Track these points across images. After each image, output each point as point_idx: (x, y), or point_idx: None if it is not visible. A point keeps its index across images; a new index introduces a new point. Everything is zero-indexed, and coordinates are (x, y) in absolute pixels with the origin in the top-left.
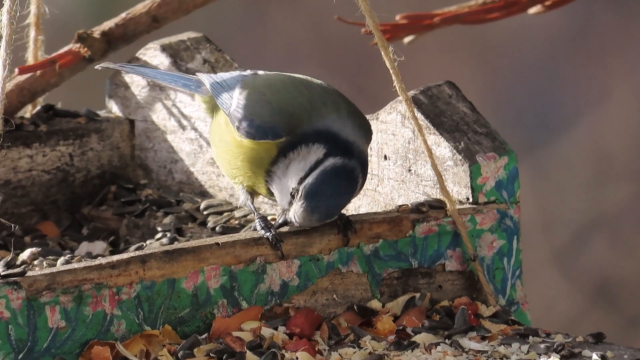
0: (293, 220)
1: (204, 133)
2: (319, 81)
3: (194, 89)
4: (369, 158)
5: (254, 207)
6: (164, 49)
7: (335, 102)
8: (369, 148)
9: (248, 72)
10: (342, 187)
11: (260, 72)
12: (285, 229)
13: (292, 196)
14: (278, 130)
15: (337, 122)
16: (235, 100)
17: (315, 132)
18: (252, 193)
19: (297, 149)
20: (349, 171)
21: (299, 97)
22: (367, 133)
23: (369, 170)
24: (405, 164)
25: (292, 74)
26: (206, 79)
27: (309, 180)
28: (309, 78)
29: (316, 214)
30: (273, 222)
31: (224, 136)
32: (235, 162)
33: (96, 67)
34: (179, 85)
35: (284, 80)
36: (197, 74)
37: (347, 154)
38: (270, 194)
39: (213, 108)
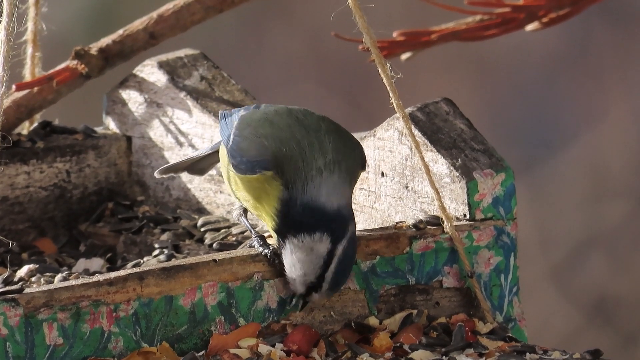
0: (316, 302)
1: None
2: (312, 113)
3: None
4: (367, 175)
5: (249, 223)
6: (161, 65)
7: (324, 147)
8: (367, 166)
9: (252, 106)
10: (353, 259)
11: (263, 105)
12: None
13: (311, 287)
14: (265, 163)
15: (325, 183)
16: (231, 137)
17: (310, 211)
18: (246, 209)
19: (300, 237)
20: (354, 243)
21: (289, 135)
22: (355, 170)
23: (367, 187)
24: (402, 180)
25: (292, 107)
26: (220, 121)
27: (330, 276)
28: (307, 112)
29: (337, 291)
30: (269, 239)
31: (228, 169)
32: (241, 194)
33: (156, 174)
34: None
35: (278, 115)
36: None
37: (344, 226)
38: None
39: None
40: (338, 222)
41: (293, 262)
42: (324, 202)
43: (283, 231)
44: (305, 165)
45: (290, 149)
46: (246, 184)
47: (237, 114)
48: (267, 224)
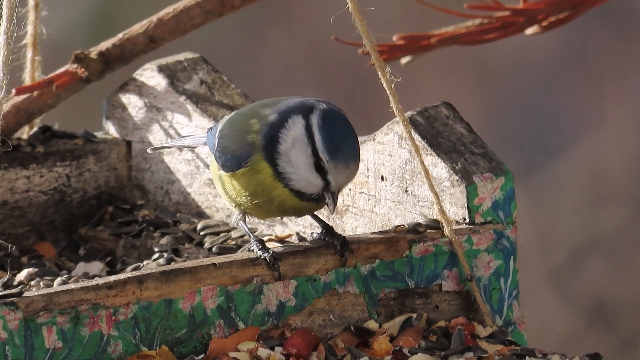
0: (338, 183)
1: (201, 154)
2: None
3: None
4: (366, 179)
5: (248, 228)
6: (161, 69)
7: (304, 96)
8: (365, 169)
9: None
10: (344, 125)
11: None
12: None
13: (320, 170)
14: (245, 155)
15: (300, 98)
16: (216, 141)
17: (281, 113)
18: (245, 213)
19: (281, 138)
20: (331, 112)
21: (260, 108)
22: None
23: (366, 191)
24: (402, 184)
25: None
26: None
27: (321, 145)
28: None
29: (351, 162)
30: (268, 243)
31: (218, 174)
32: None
33: (148, 150)
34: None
35: (253, 107)
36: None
37: (309, 106)
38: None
39: None
40: (301, 104)
41: (294, 169)
42: (283, 109)
43: (275, 162)
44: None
45: (261, 114)
46: (240, 180)
47: (221, 122)
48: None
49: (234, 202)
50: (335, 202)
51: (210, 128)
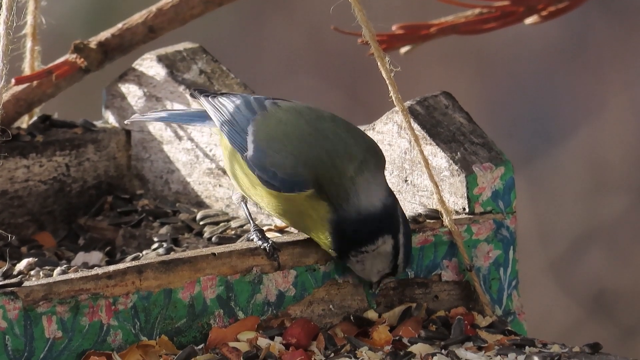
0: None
1: (200, 143)
2: (321, 114)
3: (206, 124)
4: None
5: (250, 213)
6: (160, 59)
7: (348, 150)
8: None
9: (252, 99)
10: (411, 235)
11: (266, 103)
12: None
13: (385, 276)
14: (303, 183)
15: (362, 188)
16: (250, 145)
17: (363, 224)
18: (247, 198)
19: (364, 249)
20: (407, 223)
21: (317, 147)
22: (377, 160)
23: None
24: (401, 174)
25: (298, 107)
26: (213, 115)
27: (401, 263)
28: (316, 114)
29: (411, 265)
30: (267, 233)
31: (245, 174)
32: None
33: (126, 122)
34: (195, 123)
35: (296, 124)
36: (204, 105)
37: (395, 216)
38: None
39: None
40: (389, 216)
41: (365, 268)
42: (368, 208)
43: (343, 249)
44: (341, 178)
45: (323, 162)
46: (279, 199)
47: (239, 112)
48: (313, 238)
49: (245, 193)
50: (378, 287)
51: (215, 100)
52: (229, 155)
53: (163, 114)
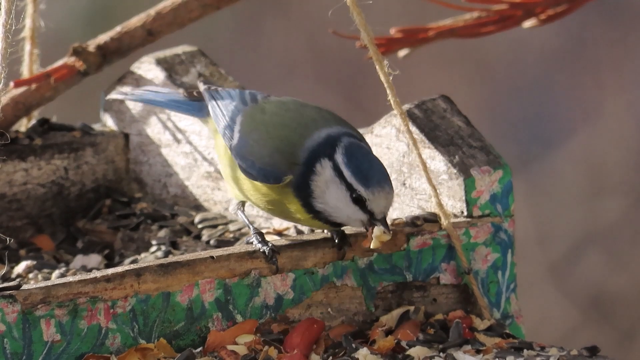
0: (380, 209)
1: (199, 147)
2: (312, 105)
3: (197, 114)
4: None
5: (248, 219)
6: (159, 62)
7: (324, 117)
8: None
9: (247, 93)
10: (366, 154)
11: (259, 97)
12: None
13: (358, 202)
14: (278, 173)
15: (325, 129)
16: (235, 134)
17: (312, 149)
18: (244, 203)
19: (315, 176)
20: (352, 145)
21: (293, 125)
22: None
23: None
24: (399, 177)
25: (284, 99)
26: (208, 101)
27: (352, 179)
28: (301, 104)
29: (384, 184)
30: (267, 236)
31: (231, 165)
32: (250, 193)
33: (107, 97)
34: (182, 111)
35: (277, 112)
36: (202, 90)
37: (333, 142)
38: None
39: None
40: (326, 143)
41: (329, 205)
42: (312, 145)
43: (309, 202)
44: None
45: (298, 134)
46: (260, 189)
47: (232, 104)
48: (295, 220)
49: (240, 192)
50: (388, 228)
51: (211, 91)
52: (222, 152)
53: (149, 95)
